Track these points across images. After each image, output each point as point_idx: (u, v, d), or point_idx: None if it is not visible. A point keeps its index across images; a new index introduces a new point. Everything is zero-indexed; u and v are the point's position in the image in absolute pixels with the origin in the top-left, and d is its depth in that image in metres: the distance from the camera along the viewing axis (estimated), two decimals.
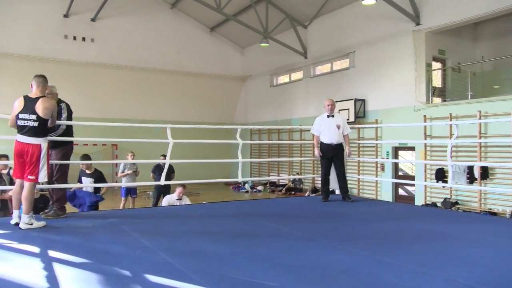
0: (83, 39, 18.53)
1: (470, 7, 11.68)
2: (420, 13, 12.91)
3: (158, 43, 19.88)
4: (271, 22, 17.14)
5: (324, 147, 7.14)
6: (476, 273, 3.24)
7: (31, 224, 4.57)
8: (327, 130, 7.09)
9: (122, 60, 18.96)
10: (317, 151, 7.25)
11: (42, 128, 4.64)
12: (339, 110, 15.10)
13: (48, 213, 5.28)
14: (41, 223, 4.68)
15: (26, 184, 4.62)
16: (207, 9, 16.69)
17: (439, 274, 3.18)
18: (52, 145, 5.30)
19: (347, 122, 7.76)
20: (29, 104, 4.60)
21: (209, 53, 21.13)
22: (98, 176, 7.96)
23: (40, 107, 4.57)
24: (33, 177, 4.59)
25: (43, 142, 4.64)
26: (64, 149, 5.39)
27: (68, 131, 5.46)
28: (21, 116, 4.58)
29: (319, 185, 16.66)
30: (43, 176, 4.64)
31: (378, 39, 14.36)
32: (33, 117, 4.56)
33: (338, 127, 7.07)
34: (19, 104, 4.63)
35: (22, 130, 4.60)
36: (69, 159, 5.53)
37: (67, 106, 5.42)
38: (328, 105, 7.13)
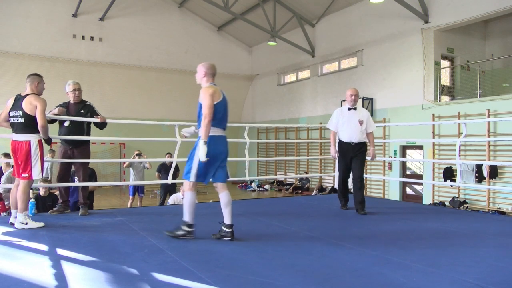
0: (92, 38, 18.62)
1: (480, 4, 11.58)
2: (429, 11, 12.83)
3: (166, 42, 19.94)
4: (279, 20, 17.13)
5: (342, 146, 5.97)
6: (486, 273, 3.21)
7: (26, 224, 4.49)
8: (347, 126, 5.90)
9: (130, 60, 19.03)
10: (333, 150, 6.08)
11: (29, 124, 4.55)
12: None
13: (57, 209, 5.42)
14: (38, 224, 4.57)
15: (21, 182, 4.56)
16: (215, 8, 16.71)
17: (448, 273, 3.16)
18: (75, 144, 5.45)
19: None
20: (18, 101, 4.62)
21: (217, 52, 21.13)
22: (90, 174, 7.99)
23: (26, 103, 4.55)
24: (26, 175, 4.52)
25: (32, 138, 4.55)
26: (87, 147, 5.63)
27: (90, 129, 5.68)
28: (11, 113, 4.61)
29: (326, 184, 16.69)
30: (37, 173, 4.54)
31: (386, 37, 14.29)
32: (19, 113, 4.54)
33: (361, 122, 5.87)
34: (10, 101, 4.68)
35: (12, 127, 4.62)
36: (89, 157, 5.72)
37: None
38: (352, 95, 5.91)
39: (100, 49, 18.68)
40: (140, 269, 3.22)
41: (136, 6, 19.31)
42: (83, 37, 18.45)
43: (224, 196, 4.16)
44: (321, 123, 15.85)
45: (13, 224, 4.60)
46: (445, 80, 13.63)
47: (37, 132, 4.59)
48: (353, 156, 5.91)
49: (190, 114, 21.97)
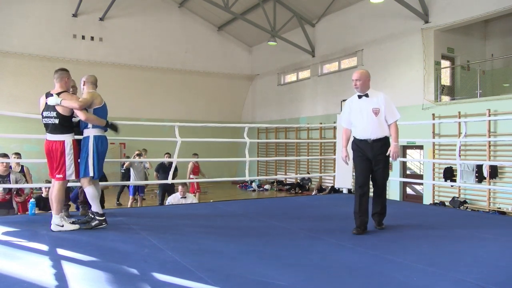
0: (92, 38, 18.63)
1: (480, 4, 11.57)
2: (429, 10, 12.82)
3: (166, 42, 19.94)
4: (279, 20, 17.12)
5: (358, 145, 4.65)
6: (487, 273, 3.21)
7: (62, 226, 4.44)
8: (359, 118, 4.65)
9: (130, 60, 19.03)
10: (343, 153, 4.76)
11: (63, 125, 4.49)
12: None
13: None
14: (74, 226, 4.53)
15: (55, 184, 4.52)
16: (215, 8, 16.72)
17: (449, 274, 3.16)
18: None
19: None
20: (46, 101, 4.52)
21: (217, 52, 21.14)
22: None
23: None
24: (60, 176, 4.47)
25: (67, 138, 4.50)
26: None
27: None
28: (44, 114, 4.53)
29: (326, 184, 16.63)
30: (70, 173, 4.50)
31: (387, 37, 14.28)
32: (53, 114, 4.47)
33: (376, 112, 4.59)
34: (42, 101, 4.58)
35: (46, 128, 4.56)
36: None
37: None
38: (354, 80, 4.75)
39: (100, 49, 18.68)
40: (140, 269, 3.22)
41: (136, 6, 19.30)
42: (83, 37, 18.45)
43: (96, 189, 4.71)
44: (321, 123, 15.86)
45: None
46: (445, 80, 13.62)
47: (71, 132, 4.58)
48: (372, 157, 4.57)
49: (190, 114, 22.10)
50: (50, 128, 4.52)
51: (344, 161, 4.79)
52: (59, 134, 4.50)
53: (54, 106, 4.46)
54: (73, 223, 4.58)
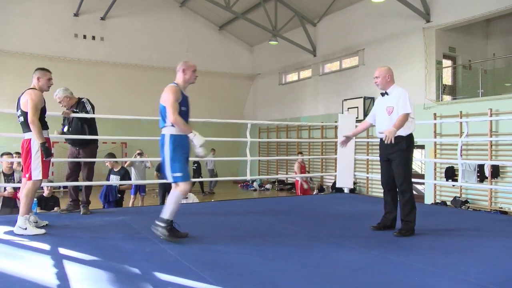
0: (93, 38, 18.64)
1: (482, 3, 11.55)
2: (431, 10, 12.80)
3: (167, 41, 19.94)
4: (280, 20, 17.13)
5: (379, 144, 4.73)
6: (487, 272, 3.21)
7: (25, 229, 4.14)
8: (378, 116, 4.78)
9: (131, 59, 19.04)
10: (344, 137, 5.12)
11: (27, 122, 4.26)
12: (348, 108, 15.08)
13: (66, 208, 5.47)
14: (39, 231, 4.20)
15: (27, 184, 4.28)
16: (216, 8, 16.73)
17: (449, 273, 3.15)
18: (81, 144, 5.43)
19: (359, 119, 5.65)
20: (18, 99, 4.44)
21: (218, 52, 21.13)
22: (124, 174, 8.28)
23: (22, 100, 4.36)
24: (27, 175, 4.26)
25: (33, 137, 4.24)
26: (93, 147, 5.59)
27: (93, 127, 5.61)
28: (16, 114, 4.47)
29: (327, 184, 16.61)
30: (36, 173, 4.22)
31: (388, 36, 14.27)
32: (19, 112, 4.38)
33: (389, 111, 4.58)
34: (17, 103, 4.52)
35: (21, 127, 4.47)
36: (95, 157, 5.69)
37: (88, 100, 5.59)
38: (374, 77, 4.88)
39: (102, 49, 18.70)
40: (142, 268, 3.22)
41: (137, 5, 19.31)
42: (84, 37, 18.46)
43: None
44: (322, 122, 15.86)
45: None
46: (447, 79, 13.60)
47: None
48: (387, 156, 4.58)
49: (191, 113, 21.84)
50: (22, 127, 4.42)
51: (340, 145, 5.13)
52: (26, 132, 4.34)
53: (19, 104, 4.36)
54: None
